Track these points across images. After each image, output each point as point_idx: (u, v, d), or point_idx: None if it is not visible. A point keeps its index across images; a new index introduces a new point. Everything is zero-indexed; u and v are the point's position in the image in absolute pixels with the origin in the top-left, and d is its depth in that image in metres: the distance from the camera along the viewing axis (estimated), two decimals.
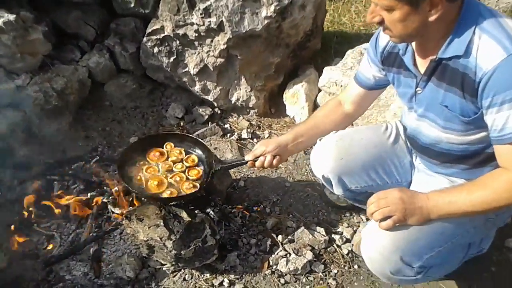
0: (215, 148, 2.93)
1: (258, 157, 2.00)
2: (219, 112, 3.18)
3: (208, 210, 2.28)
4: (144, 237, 2.07)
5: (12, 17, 2.58)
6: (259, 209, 2.49)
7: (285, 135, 2.09)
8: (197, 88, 3.10)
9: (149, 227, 2.07)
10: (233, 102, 3.16)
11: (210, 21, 2.81)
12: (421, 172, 1.98)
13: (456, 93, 1.53)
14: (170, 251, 2.03)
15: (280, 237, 2.31)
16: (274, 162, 1.99)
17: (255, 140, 3.02)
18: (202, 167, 2.29)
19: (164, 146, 2.34)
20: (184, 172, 2.24)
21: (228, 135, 3.04)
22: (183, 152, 2.34)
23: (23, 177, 2.53)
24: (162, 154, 2.30)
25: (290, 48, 3.14)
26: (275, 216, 2.46)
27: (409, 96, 1.75)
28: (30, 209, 2.36)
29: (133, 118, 3.11)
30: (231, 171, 2.67)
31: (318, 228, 2.36)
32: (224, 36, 2.85)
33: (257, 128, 3.12)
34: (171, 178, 2.20)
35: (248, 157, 2.04)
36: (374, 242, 1.71)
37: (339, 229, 2.40)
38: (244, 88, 3.11)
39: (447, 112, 1.60)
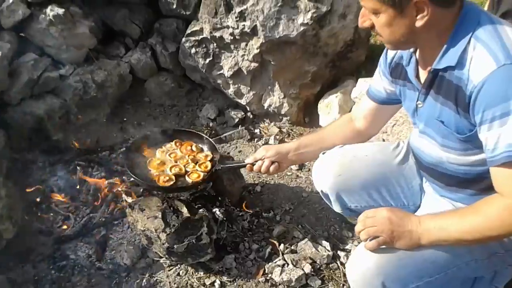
0: (239, 151, 2.94)
1: (257, 160, 1.97)
2: (251, 116, 3.19)
3: (214, 209, 2.29)
4: (141, 227, 2.12)
5: (61, 11, 2.79)
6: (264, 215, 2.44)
7: (288, 143, 2.05)
8: (230, 91, 3.13)
9: (147, 218, 2.11)
10: (265, 107, 3.15)
11: (244, 25, 2.84)
12: (428, 195, 1.83)
13: (451, 107, 1.41)
14: (163, 244, 2.05)
15: (282, 246, 2.25)
16: (271, 168, 1.94)
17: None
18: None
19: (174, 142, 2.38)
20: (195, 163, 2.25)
21: (256, 139, 3.03)
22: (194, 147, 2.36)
23: (54, 160, 2.70)
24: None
25: (329, 57, 3.07)
26: (283, 224, 2.40)
27: (412, 110, 1.63)
28: (54, 189, 2.52)
29: (168, 116, 3.21)
30: (250, 175, 2.66)
31: (324, 242, 2.26)
32: (258, 40, 2.86)
33: (287, 135, 3.07)
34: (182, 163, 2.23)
35: (248, 160, 2.01)
36: (358, 263, 1.60)
37: (347, 247, 2.28)
38: (277, 94, 3.09)
39: (444, 129, 1.47)
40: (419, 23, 1.33)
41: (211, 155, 2.30)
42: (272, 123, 3.16)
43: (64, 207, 2.46)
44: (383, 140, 2.71)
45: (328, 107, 3.06)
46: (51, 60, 2.89)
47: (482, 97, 1.28)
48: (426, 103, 1.52)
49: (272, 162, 1.94)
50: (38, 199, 2.44)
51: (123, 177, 2.51)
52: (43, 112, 2.72)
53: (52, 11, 2.78)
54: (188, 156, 2.28)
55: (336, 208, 1.96)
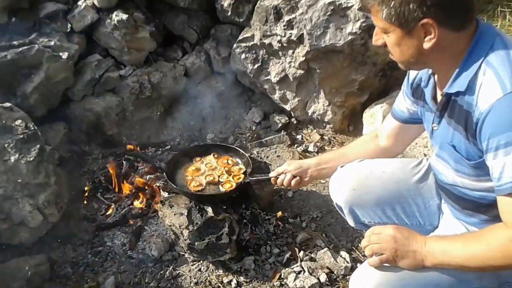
0: (278, 156, 3.00)
1: (280, 174, 2.03)
2: (295, 122, 3.22)
3: (240, 211, 2.39)
4: (168, 222, 2.27)
5: (125, 16, 3.03)
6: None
7: (311, 158, 2.10)
8: (276, 96, 3.20)
9: (174, 214, 2.26)
10: (309, 114, 3.17)
11: (291, 33, 2.89)
12: (446, 216, 1.77)
13: (462, 133, 1.38)
14: (185, 240, 2.19)
15: (301, 253, 2.28)
16: (293, 182, 1.99)
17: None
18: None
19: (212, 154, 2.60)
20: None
21: (296, 145, 3.07)
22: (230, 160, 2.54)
23: (107, 153, 2.95)
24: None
25: (378, 67, 3.02)
26: (308, 232, 2.43)
27: (430, 132, 1.60)
28: (102, 180, 2.77)
29: (216, 117, 3.35)
30: None
31: (344, 253, 2.26)
32: (303, 48, 2.89)
33: (328, 143, 3.08)
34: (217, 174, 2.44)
35: (272, 173, 2.09)
36: (359, 279, 1.60)
37: None
38: (322, 102, 3.10)
39: (455, 154, 1.45)
40: (427, 45, 1.31)
41: (244, 169, 2.45)
42: (315, 130, 3.18)
43: (108, 198, 2.69)
44: (424, 155, 2.63)
45: (373, 117, 3.01)
46: (113, 61, 3.14)
47: (487, 125, 1.25)
48: (441, 126, 1.49)
49: (294, 176, 1.99)
50: (87, 188, 2.69)
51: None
52: (102, 109, 2.97)
53: (117, 16, 3.03)
54: (224, 168, 2.45)
55: (350, 221, 1.96)
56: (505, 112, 1.21)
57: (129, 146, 2.96)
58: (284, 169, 2.01)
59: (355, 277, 1.63)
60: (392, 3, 1.28)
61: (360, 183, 1.87)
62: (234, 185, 2.34)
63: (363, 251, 1.54)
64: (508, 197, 1.26)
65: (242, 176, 2.40)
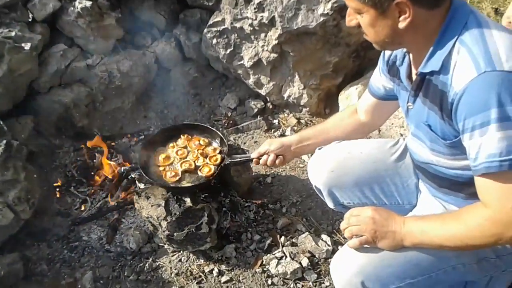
0: (255, 142, 2.96)
1: (262, 155, 2.00)
2: (271, 107, 3.19)
3: (219, 199, 2.35)
4: (145, 214, 2.21)
5: (88, 3, 2.90)
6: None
7: (291, 136, 2.05)
8: (251, 81, 3.15)
9: (151, 206, 2.20)
10: (285, 98, 3.14)
11: (262, 16, 2.83)
12: (423, 195, 1.78)
13: (437, 113, 1.37)
14: (164, 231, 2.14)
15: (283, 239, 2.27)
16: (277, 161, 1.96)
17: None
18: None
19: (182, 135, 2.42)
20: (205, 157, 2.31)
21: (273, 130, 3.04)
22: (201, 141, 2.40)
23: (78, 145, 2.86)
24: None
25: (352, 48, 3.00)
26: (288, 217, 2.42)
27: (404, 111, 1.59)
28: (75, 174, 2.68)
29: (191, 105, 3.28)
30: (263, 166, 2.67)
31: (325, 237, 2.26)
32: (276, 31, 2.85)
33: (305, 126, 3.06)
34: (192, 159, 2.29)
35: (253, 154, 2.05)
36: (340, 262, 1.60)
37: None
38: (297, 85, 3.07)
39: (431, 133, 1.44)
40: (402, 25, 1.29)
41: (219, 148, 2.35)
42: (292, 114, 3.15)
43: (82, 191, 2.61)
44: (401, 135, 2.64)
45: (348, 98, 3.00)
46: (79, 50, 3.03)
47: (462, 105, 1.24)
48: (416, 105, 1.48)
49: (277, 156, 1.96)
50: (59, 183, 2.60)
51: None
52: (70, 100, 2.86)
53: (80, 3, 2.90)
54: (197, 150, 2.32)
55: (329, 203, 1.95)
56: (479, 92, 1.20)
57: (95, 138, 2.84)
58: (266, 149, 1.98)
59: (336, 259, 1.62)
60: None
61: (338, 165, 1.86)
62: (213, 169, 2.21)
63: (343, 234, 1.53)
64: (483, 177, 1.25)
65: (219, 156, 2.27)
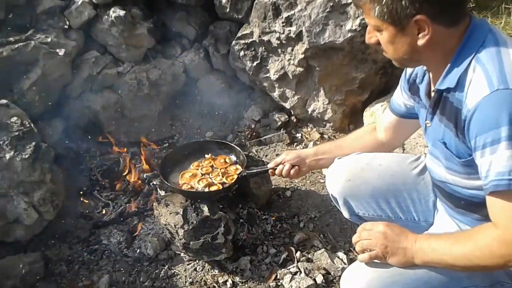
0: (277, 155, 2.97)
1: (278, 165, 2.01)
2: (294, 120, 3.19)
3: (237, 211, 2.36)
4: (164, 221, 2.25)
5: (122, 13, 3.00)
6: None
7: (309, 148, 2.07)
8: (276, 94, 3.17)
9: (170, 213, 2.24)
10: (309, 112, 3.14)
11: (290, 30, 2.86)
12: (440, 213, 1.75)
13: (452, 130, 1.36)
14: (180, 239, 2.16)
15: (298, 254, 2.26)
16: (292, 172, 1.98)
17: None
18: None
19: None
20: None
21: (295, 144, 3.04)
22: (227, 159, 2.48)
23: (104, 150, 2.93)
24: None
25: (379, 64, 2.98)
26: (306, 232, 2.41)
27: (424, 129, 1.59)
28: (99, 178, 2.75)
29: (215, 115, 3.32)
30: (283, 179, 2.68)
31: (341, 254, 2.23)
32: (303, 46, 2.86)
33: (327, 141, 3.04)
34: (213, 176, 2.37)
35: (270, 164, 2.07)
36: (349, 276, 1.58)
37: None
38: (322, 100, 3.06)
39: (446, 151, 1.42)
40: (420, 42, 1.29)
41: (241, 169, 2.37)
42: (315, 129, 3.15)
43: (106, 195, 2.67)
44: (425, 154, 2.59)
45: (373, 115, 2.97)
46: (111, 58, 3.12)
47: (474, 123, 1.23)
48: (433, 123, 1.47)
49: (293, 166, 1.97)
50: (84, 186, 2.67)
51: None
52: (100, 106, 2.95)
53: (114, 12, 3.00)
54: (220, 169, 2.39)
55: (345, 213, 1.94)
56: (491, 110, 1.19)
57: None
58: (282, 159, 2.00)
59: (346, 273, 1.61)
60: (384, 0, 1.26)
61: (355, 175, 1.85)
62: (220, 187, 2.28)
63: (355, 247, 1.52)
64: (493, 196, 1.24)
65: (235, 176, 2.30)
